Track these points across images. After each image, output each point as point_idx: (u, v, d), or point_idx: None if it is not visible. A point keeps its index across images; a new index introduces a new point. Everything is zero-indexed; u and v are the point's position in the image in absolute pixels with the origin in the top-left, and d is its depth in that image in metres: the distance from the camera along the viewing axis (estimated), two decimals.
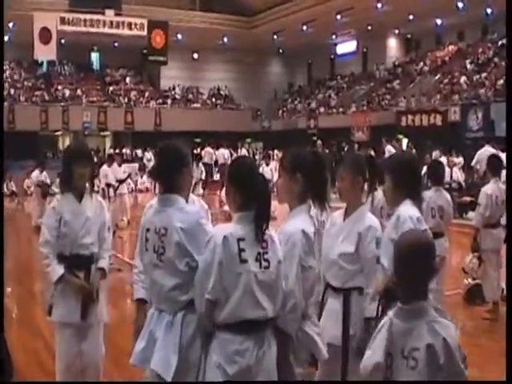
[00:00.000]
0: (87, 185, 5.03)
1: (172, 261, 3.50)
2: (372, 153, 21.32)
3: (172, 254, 3.50)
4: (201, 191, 22.78)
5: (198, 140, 32.66)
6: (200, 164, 25.16)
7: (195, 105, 43.24)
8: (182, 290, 3.50)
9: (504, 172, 8.75)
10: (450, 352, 2.76)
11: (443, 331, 2.80)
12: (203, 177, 25.22)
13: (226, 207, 16.74)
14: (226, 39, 41.31)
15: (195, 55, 43.83)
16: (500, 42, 31.48)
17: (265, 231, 3.41)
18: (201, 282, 3.36)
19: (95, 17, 33.05)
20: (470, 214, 15.87)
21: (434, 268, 2.94)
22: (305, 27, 37.15)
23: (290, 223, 3.75)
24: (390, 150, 21.07)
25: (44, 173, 18.01)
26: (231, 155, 27.21)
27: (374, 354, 2.89)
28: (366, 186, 4.70)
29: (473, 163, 18.21)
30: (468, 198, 17.35)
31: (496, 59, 30.53)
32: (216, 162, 28.46)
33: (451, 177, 17.76)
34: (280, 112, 43.50)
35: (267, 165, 22.11)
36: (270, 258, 3.41)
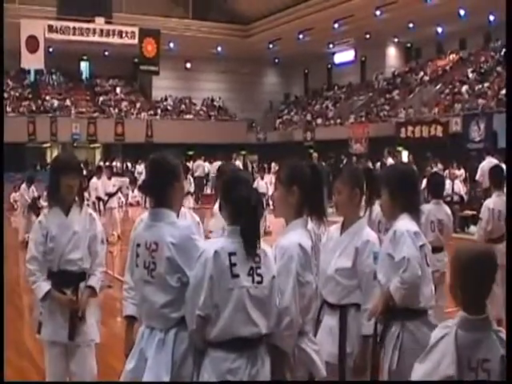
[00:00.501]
0: (77, 198, 4.95)
1: (163, 276, 3.51)
2: (370, 165, 21.49)
3: (163, 269, 3.51)
4: (191, 204, 22.83)
5: (190, 152, 32.68)
6: (189, 176, 25.26)
7: (188, 116, 43.22)
8: (173, 306, 3.51)
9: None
10: None
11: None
12: (191, 189, 25.30)
13: None
14: (219, 48, 41.37)
15: (188, 65, 43.85)
16: (503, 51, 31.62)
17: (255, 245, 3.42)
18: (192, 297, 3.37)
19: (84, 25, 33.03)
20: (472, 228, 15.92)
21: (494, 277, 2.96)
22: (301, 36, 37.22)
23: (286, 237, 3.76)
24: (391, 162, 21.16)
25: (32, 187, 17.95)
26: None
27: (438, 367, 2.85)
28: (363, 200, 4.72)
29: (477, 177, 18.23)
30: (470, 212, 17.42)
31: (499, 68, 30.60)
32: (208, 174, 28.64)
33: (453, 189, 17.82)
34: (276, 124, 43.53)
35: (262, 178, 22.13)
36: (263, 273, 3.42)
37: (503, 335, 2.85)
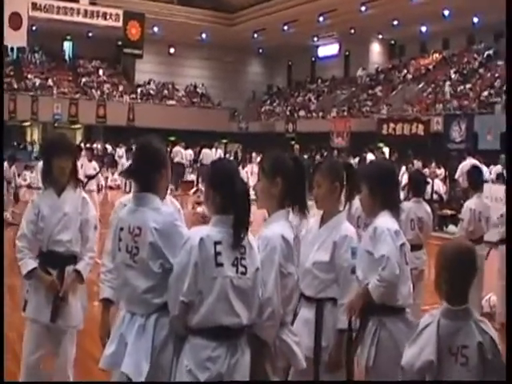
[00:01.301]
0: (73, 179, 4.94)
1: (145, 262, 3.49)
2: (351, 160, 21.54)
3: (146, 254, 3.49)
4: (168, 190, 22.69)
5: (171, 138, 32.59)
6: None
7: (170, 101, 43.11)
8: (155, 292, 3.49)
9: (485, 185, 8.82)
10: (496, 349, 3.09)
11: (489, 330, 3.11)
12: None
13: (199, 209, 16.73)
14: (204, 35, 41.29)
15: (172, 50, 43.69)
16: (486, 53, 31.79)
17: (243, 236, 3.42)
18: (175, 283, 3.36)
19: (69, 4, 32.71)
20: (451, 228, 16.03)
21: (476, 271, 3.24)
22: (286, 27, 37.22)
23: (269, 228, 3.76)
24: (371, 158, 21.22)
25: (13, 167, 17.76)
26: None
27: (421, 353, 3.11)
28: (343, 194, 4.71)
29: (456, 176, 18.38)
30: (449, 211, 17.53)
31: (481, 70, 30.79)
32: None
33: (432, 188, 17.91)
34: (258, 114, 43.49)
35: (243, 168, 22.11)
36: (247, 264, 3.42)
37: (482, 325, 3.13)
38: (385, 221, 4.23)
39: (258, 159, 27.93)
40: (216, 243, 3.35)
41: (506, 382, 2.95)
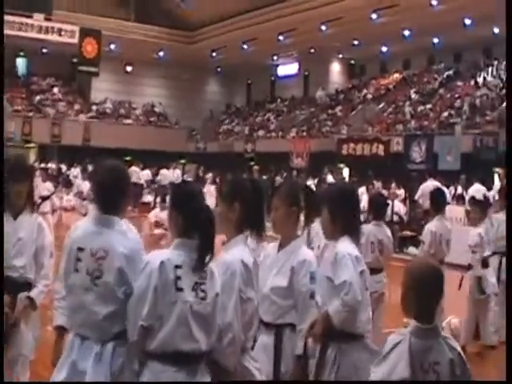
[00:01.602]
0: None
1: (110, 286, 3.49)
2: (310, 181, 21.63)
3: (112, 279, 3.49)
4: None
5: (127, 158, 32.41)
6: None
7: (127, 121, 42.79)
8: (115, 319, 3.48)
9: (448, 207, 8.91)
10: (464, 364, 3.24)
11: (456, 347, 3.26)
12: None
13: (157, 231, 16.59)
14: (162, 53, 41.12)
15: (129, 68, 43.44)
16: (446, 73, 32.27)
17: (208, 261, 3.43)
18: (135, 308, 3.36)
19: (23, 20, 32.51)
20: (411, 249, 16.15)
21: (442, 288, 3.33)
22: (245, 46, 37.27)
23: (229, 253, 3.77)
24: (331, 179, 21.37)
25: None
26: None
27: (393, 371, 3.20)
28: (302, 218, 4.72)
29: (416, 197, 18.55)
30: (409, 232, 17.67)
31: (441, 90, 31.19)
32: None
33: (392, 209, 18.06)
34: (216, 133, 43.42)
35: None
36: (207, 289, 3.43)
37: (450, 341, 3.28)
38: (345, 246, 4.25)
39: (217, 180, 28.00)
40: (176, 267, 3.36)
41: (506, 382, 3.06)
